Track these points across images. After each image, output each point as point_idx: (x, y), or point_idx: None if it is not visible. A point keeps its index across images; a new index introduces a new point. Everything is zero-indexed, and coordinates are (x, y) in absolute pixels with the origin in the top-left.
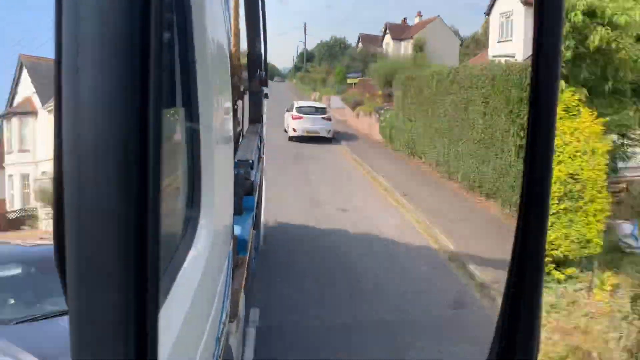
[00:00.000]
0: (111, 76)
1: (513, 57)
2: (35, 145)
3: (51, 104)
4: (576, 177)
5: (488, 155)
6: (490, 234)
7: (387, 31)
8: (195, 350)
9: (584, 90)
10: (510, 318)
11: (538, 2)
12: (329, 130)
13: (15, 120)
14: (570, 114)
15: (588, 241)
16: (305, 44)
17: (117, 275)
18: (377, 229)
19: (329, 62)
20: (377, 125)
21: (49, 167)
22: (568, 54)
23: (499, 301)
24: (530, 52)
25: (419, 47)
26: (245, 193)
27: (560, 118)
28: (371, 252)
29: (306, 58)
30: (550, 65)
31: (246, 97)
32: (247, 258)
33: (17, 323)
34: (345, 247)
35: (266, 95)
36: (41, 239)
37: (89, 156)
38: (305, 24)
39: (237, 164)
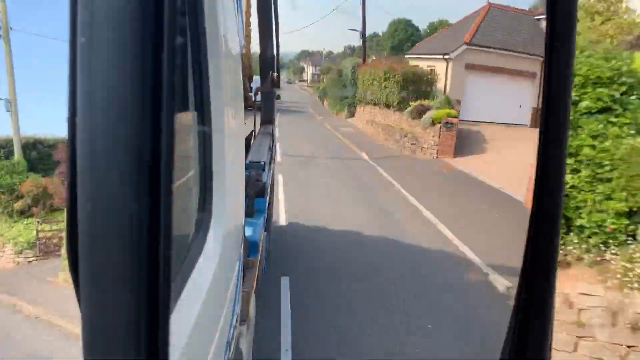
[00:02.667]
0: (125, 79)
1: None
2: None
3: None
4: None
5: None
6: None
7: None
8: (206, 353)
9: None
10: (523, 318)
11: (550, 7)
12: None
13: None
14: None
15: None
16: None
17: (129, 277)
18: None
19: None
20: None
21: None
22: None
23: None
24: None
25: None
26: (257, 195)
27: None
28: None
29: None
30: (563, 70)
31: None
32: (258, 260)
33: None
34: None
35: (278, 97)
36: None
37: (102, 158)
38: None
39: (249, 166)
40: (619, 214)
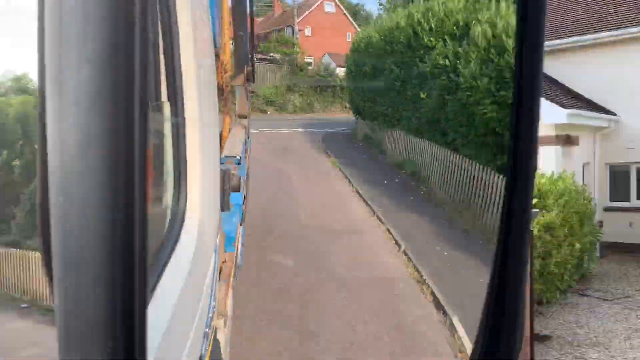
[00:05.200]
0: (96, 73)
1: None
2: None
3: None
4: None
5: None
6: None
7: None
8: (183, 347)
9: None
10: (494, 315)
11: (520, 7)
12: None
13: None
14: None
15: None
16: None
17: (104, 272)
18: None
19: None
20: None
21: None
22: None
23: None
24: None
25: None
26: (232, 189)
27: None
28: None
29: None
30: (533, 61)
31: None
32: (235, 254)
33: None
34: None
35: (253, 92)
36: None
37: (74, 152)
38: None
39: (224, 160)
40: None
